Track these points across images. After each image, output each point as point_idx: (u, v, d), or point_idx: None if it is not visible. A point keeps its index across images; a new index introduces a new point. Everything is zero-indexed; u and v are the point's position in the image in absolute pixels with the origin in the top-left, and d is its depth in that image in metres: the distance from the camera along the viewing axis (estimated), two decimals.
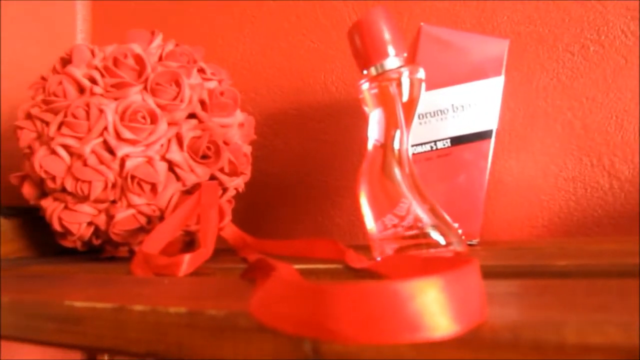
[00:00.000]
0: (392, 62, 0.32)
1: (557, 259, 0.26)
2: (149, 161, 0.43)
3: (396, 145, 0.33)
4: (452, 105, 0.41)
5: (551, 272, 0.25)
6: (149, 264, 0.34)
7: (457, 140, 0.41)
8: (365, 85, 0.33)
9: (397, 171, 0.32)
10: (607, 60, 0.48)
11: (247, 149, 0.51)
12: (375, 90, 0.32)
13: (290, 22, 0.60)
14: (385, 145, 0.33)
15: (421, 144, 0.41)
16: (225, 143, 0.47)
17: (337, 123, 0.58)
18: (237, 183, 0.50)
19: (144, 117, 0.43)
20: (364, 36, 0.32)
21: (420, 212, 0.32)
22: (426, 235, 0.31)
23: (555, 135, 0.49)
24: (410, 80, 0.32)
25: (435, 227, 0.32)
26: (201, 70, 0.49)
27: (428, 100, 0.41)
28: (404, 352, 0.14)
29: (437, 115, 0.41)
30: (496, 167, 0.50)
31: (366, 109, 0.34)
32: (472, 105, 0.41)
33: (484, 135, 0.41)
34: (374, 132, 0.33)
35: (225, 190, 0.49)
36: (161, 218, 0.45)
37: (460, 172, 0.41)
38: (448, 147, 0.41)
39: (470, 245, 0.41)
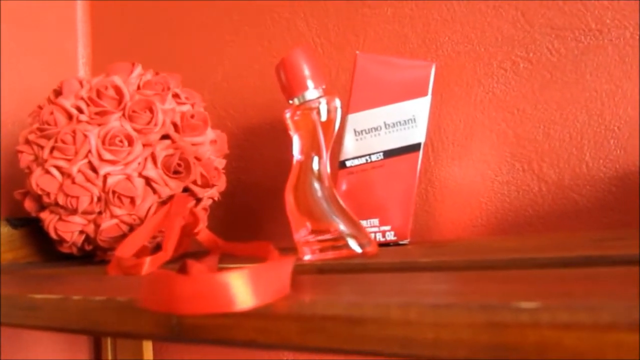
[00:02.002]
0: (311, 93, 0.39)
1: (457, 255, 0.32)
2: (128, 178, 0.50)
3: (315, 164, 0.39)
4: (385, 122, 0.47)
5: (431, 267, 0.31)
6: (120, 266, 0.41)
7: (389, 153, 0.47)
8: (288, 113, 0.39)
9: (316, 185, 0.39)
10: (535, 76, 0.53)
11: (220, 163, 0.58)
12: (297, 117, 0.39)
13: (263, 46, 0.67)
14: (306, 163, 0.39)
15: (357, 157, 0.48)
16: (197, 159, 0.54)
17: None
18: (211, 193, 0.57)
19: (121, 141, 0.50)
20: (287, 72, 0.39)
21: (335, 219, 0.38)
22: (340, 239, 0.38)
23: (491, 144, 0.55)
24: (328, 108, 0.38)
25: (349, 232, 0.38)
26: (176, 96, 0.56)
27: (363, 118, 0.48)
28: (240, 320, 0.21)
29: (372, 132, 0.47)
30: (441, 174, 0.56)
31: (291, 132, 0.40)
32: (402, 122, 0.47)
33: (413, 148, 0.47)
34: (297, 152, 0.40)
35: (199, 200, 0.56)
36: None
37: (392, 181, 0.47)
38: (381, 159, 0.47)
39: (402, 244, 0.47)
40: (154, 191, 0.52)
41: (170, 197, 0.52)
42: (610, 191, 0.50)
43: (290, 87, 0.39)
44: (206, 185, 0.55)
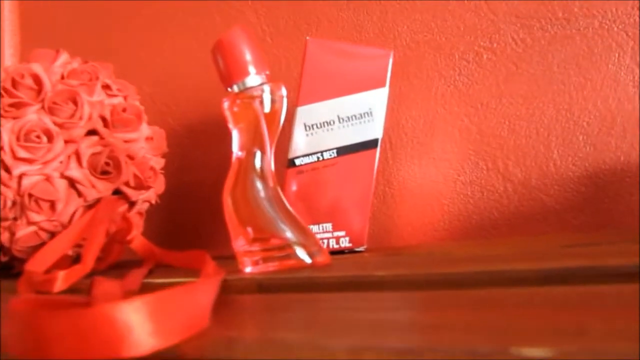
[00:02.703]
0: (253, 79, 0.34)
1: (419, 267, 0.28)
2: (47, 179, 0.44)
3: (258, 161, 0.34)
4: (338, 116, 0.43)
5: (377, 282, 0.27)
6: (30, 282, 0.35)
7: (343, 150, 0.43)
8: (227, 103, 0.34)
9: (259, 185, 0.34)
10: (499, 67, 0.49)
11: (157, 162, 0.52)
12: (237, 108, 0.34)
13: (209, 37, 0.61)
14: (247, 160, 0.34)
15: (308, 155, 0.43)
16: (130, 157, 0.48)
17: None
18: (147, 196, 0.51)
19: (39, 136, 0.43)
20: (225, 55, 0.34)
21: (280, 225, 0.33)
22: (286, 247, 0.33)
23: (453, 140, 0.51)
24: (272, 97, 0.33)
25: (297, 239, 0.33)
26: (106, 87, 0.50)
27: (314, 111, 0.43)
28: None
29: (324, 126, 0.43)
30: (400, 174, 0.52)
31: (230, 125, 0.35)
32: (357, 116, 0.43)
33: (369, 145, 0.43)
34: (237, 147, 0.34)
35: (133, 203, 0.50)
36: None
37: (346, 181, 0.43)
38: (334, 157, 0.42)
39: (358, 251, 0.43)
40: (79, 194, 0.46)
41: (98, 201, 0.46)
42: (579, 191, 0.47)
43: (229, 73, 0.34)
44: (140, 187, 0.49)
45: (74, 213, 0.46)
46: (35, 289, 0.34)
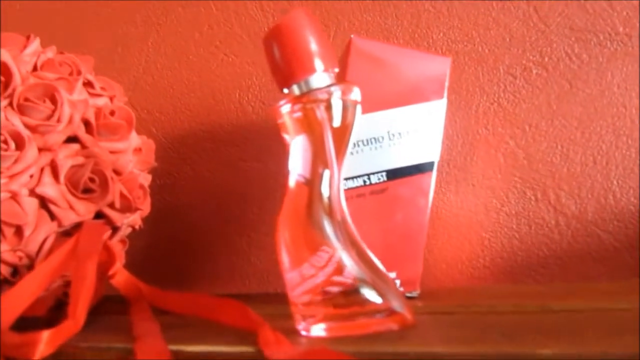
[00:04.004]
0: (320, 79, 0.26)
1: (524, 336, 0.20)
2: (13, 197, 0.34)
3: (325, 186, 0.26)
4: (388, 132, 0.35)
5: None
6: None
7: (393, 174, 0.35)
8: (285, 108, 0.26)
9: (323, 216, 0.26)
10: (550, 85, 0.44)
11: (145, 179, 0.43)
12: (298, 114, 0.26)
13: (202, 32, 0.52)
14: (311, 183, 0.26)
15: (352, 178, 0.35)
16: (116, 172, 0.39)
17: (254, 148, 0.51)
18: (132, 220, 0.41)
19: (5, 141, 0.34)
20: (284, 46, 0.26)
21: (351, 265, 0.25)
22: (357, 294, 0.25)
23: (496, 165, 0.44)
24: (343, 102, 0.26)
25: (370, 283, 0.25)
26: (88, 84, 0.40)
27: (361, 125, 0.35)
28: None
29: (371, 143, 0.35)
30: (434, 202, 0.45)
31: (287, 136, 0.27)
32: (410, 133, 0.35)
33: (423, 168, 0.36)
34: (296, 166, 0.26)
35: (116, 229, 0.40)
36: (31, 267, 0.36)
37: (397, 211, 0.35)
38: (384, 181, 0.35)
39: (409, 298, 0.35)
40: (52, 216, 0.36)
41: (77, 227, 0.37)
42: None
43: (289, 69, 0.26)
44: (127, 209, 0.40)
45: (44, 241, 0.36)
46: (9, 355, 0.25)
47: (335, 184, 0.26)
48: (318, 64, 0.26)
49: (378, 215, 0.35)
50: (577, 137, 0.43)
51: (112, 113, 0.39)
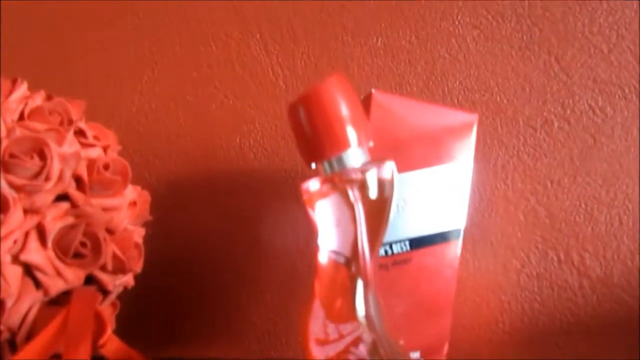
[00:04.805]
0: (353, 155, 0.23)
1: None
2: None
3: (357, 265, 0.23)
4: (411, 196, 0.32)
5: None
6: None
7: (417, 243, 0.32)
8: (314, 186, 0.23)
9: (358, 304, 0.23)
10: (573, 139, 0.41)
11: (140, 234, 0.39)
12: (332, 195, 0.23)
13: (200, 71, 0.49)
14: (347, 263, 0.23)
15: None
16: (110, 231, 0.36)
17: (255, 196, 0.47)
18: (124, 280, 0.38)
19: None
20: (315, 117, 0.23)
21: (370, 343, 0.22)
22: None
23: (516, 223, 0.42)
24: (379, 182, 0.23)
25: None
26: (80, 133, 0.37)
27: None
28: None
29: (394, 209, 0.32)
30: None
31: (314, 217, 0.24)
32: (435, 197, 0.33)
33: (449, 236, 0.33)
34: (328, 244, 0.23)
35: (107, 293, 0.37)
36: (12, 342, 0.32)
37: (422, 284, 0.32)
38: (407, 251, 0.32)
39: None
40: (38, 285, 0.32)
41: (64, 295, 0.33)
42: None
43: (319, 142, 0.23)
44: (120, 270, 0.36)
45: (28, 312, 0.32)
46: None
47: (368, 264, 0.23)
48: (352, 138, 0.23)
49: (401, 288, 0.32)
50: (602, 196, 0.41)
51: (106, 167, 0.36)
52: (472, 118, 0.34)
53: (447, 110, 0.34)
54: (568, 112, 0.42)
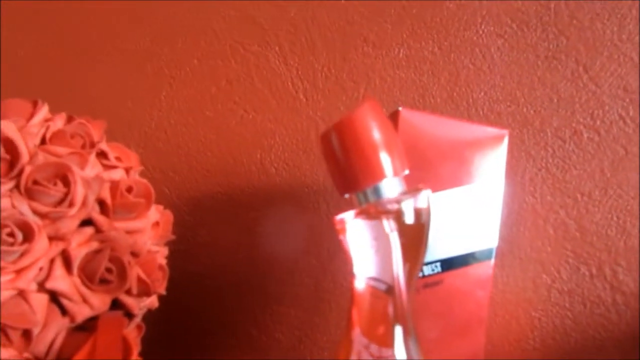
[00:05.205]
0: (389, 186, 0.22)
1: None
2: (21, 294, 0.30)
3: (395, 294, 0.22)
4: (442, 216, 0.32)
5: None
6: None
7: (449, 264, 0.31)
8: (349, 218, 0.22)
9: (397, 339, 0.22)
10: (603, 150, 0.40)
11: (163, 255, 0.39)
12: (369, 227, 0.22)
13: (219, 87, 0.49)
14: (389, 291, 0.22)
15: None
16: (134, 254, 0.35)
17: (276, 212, 0.47)
18: (149, 302, 0.37)
19: (11, 234, 0.30)
20: (349, 146, 0.22)
21: None
22: None
23: (546, 237, 0.41)
24: (416, 212, 0.22)
25: None
26: (102, 155, 0.37)
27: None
28: None
29: None
30: None
31: (348, 248, 0.23)
32: (465, 216, 0.32)
33: (481, 256, 0.32)
34: (366, 271, 0.23)
35: (132, 316, 0.36)
36: None
37: (454, 306, 0.31)
38: (438, 273, 0.31)
39: None
40: (64, 312, 0.32)
41: (90, 321, 0.33)
42: None
43: (353, 172, 0.22)
44: (145, 293, 0.36)
45: (55, 339, 0.32)
46: None
47: (403, 294, 0.22)
48: (387, 168, 0.22)
49: (432, 310, 0.31)
50: (635, 208, 0.39)
51: (129, 190, 0.35)
52: (502, 133, 0.33)
53: (476, 126, 0.33)
54: (598, 122, 0.41)
